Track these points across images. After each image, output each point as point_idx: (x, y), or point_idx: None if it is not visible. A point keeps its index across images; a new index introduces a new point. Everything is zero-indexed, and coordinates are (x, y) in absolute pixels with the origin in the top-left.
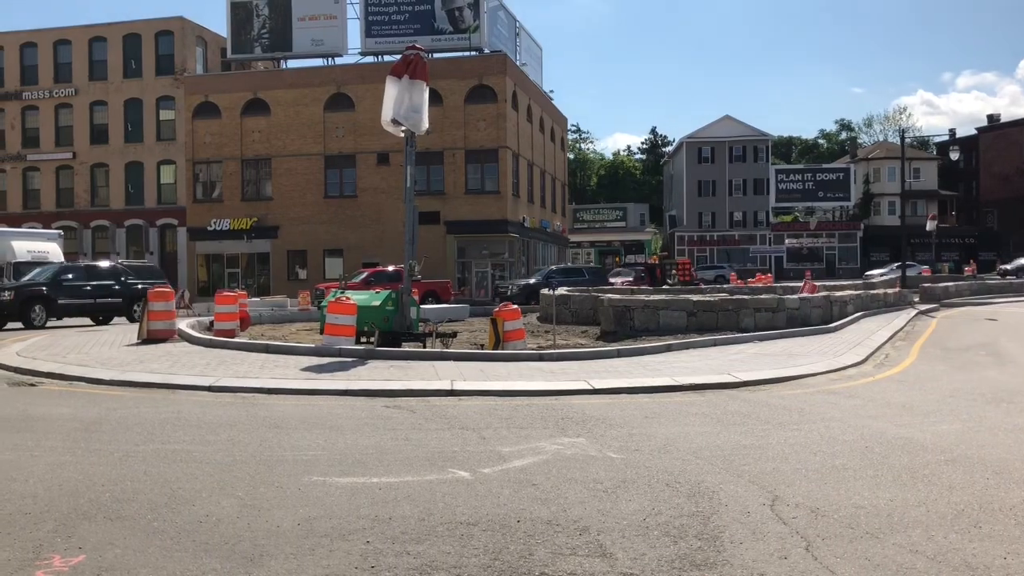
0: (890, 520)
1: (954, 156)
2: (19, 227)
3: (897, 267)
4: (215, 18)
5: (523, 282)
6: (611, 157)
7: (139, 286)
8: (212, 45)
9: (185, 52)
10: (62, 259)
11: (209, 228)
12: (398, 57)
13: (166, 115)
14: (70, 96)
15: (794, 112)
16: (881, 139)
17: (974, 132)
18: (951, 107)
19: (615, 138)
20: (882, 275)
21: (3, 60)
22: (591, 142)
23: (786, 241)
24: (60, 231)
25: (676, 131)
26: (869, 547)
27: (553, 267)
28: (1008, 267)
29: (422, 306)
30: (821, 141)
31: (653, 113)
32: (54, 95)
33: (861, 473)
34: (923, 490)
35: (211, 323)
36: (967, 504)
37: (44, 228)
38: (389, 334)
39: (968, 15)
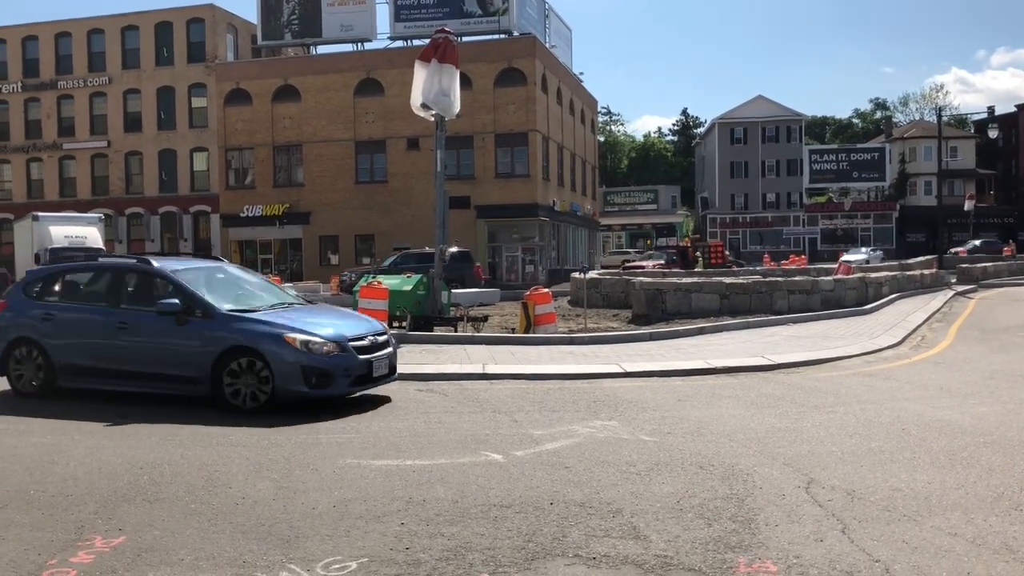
0: (928, 503)
1: (993, 134)
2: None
3: (872, 250)
4: (245, 5)
5: (366, 269)
6: (642, 139)
7: None
8: (242, 32)
9: (216, 39)
10: (101, 244)
11: (242, 215)
12: (427, 41)
13: (198, 102)
14: (104, 85)
15: (826, 92)
16: (917, 118)
17: (1014, 109)
18: (986, 84)
19: (644, 120)
20: (864, 260)
21: (38, 50)
22: (621, 124)
23: (820, 222)
24: (101, 215)
25: (707, 112)
26: (907, 530)
27: (409, 249)
28: (958, 250)
29: (453, 290)
30: (855, 120)
31: (682, 95)
32: (88, 84)
33: (898, 456)
34: (962, 473)
35: None
36: (1007, 487)
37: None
38: (421, 318)
39: None
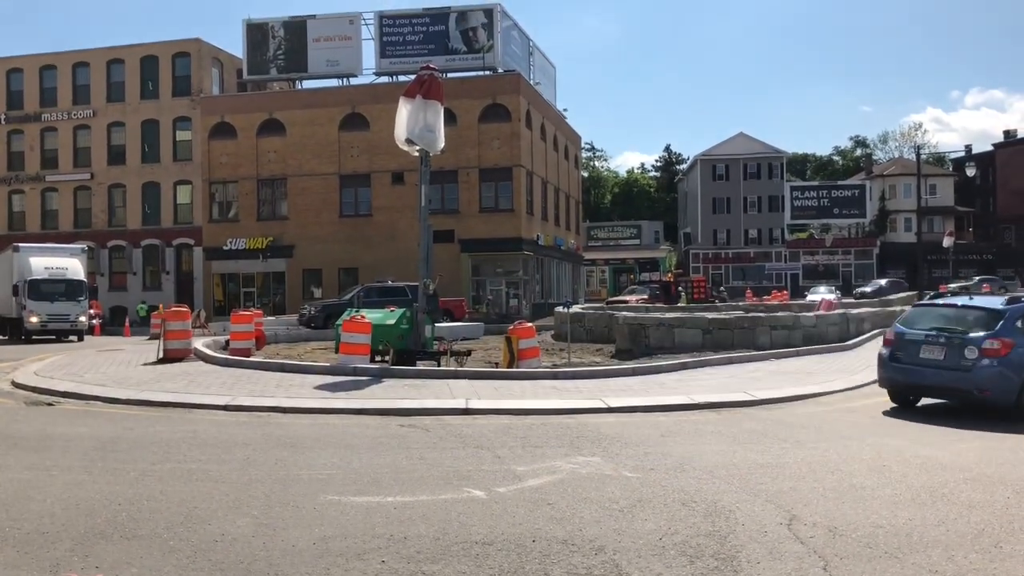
0: (909, 540)
1: (970, 172)
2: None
3: (830, 290)
4: (231, 40)
5: (325, 302)
6: (625, 175)
7: None
8: (228, 66)
9: (201, 73)
10: (83, 276)
11: (225, 248)
12: (412, 77)
13: (183, 136)
14: (88, 118)
15: (807, 129)
16: (896, 155)
17: (990, 148)
18: (961, 124)
19: (626, 156)
20: (826, 294)
21: (23, 83)
22: (605, 160)
23: (802, 258)
24: (85, 246)
25: (689, 149)
26: (888, 567)
27: (374, 283)
28: (868, 289)
29: (436, 324)
30: (836, 158)
31: (664, 132)
32: (72, 116)
33: (879, 492)
34: (943, 509)
35: (227, 342)
36: (987, 523)
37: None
38: (404, 352)
39: (973, 34)
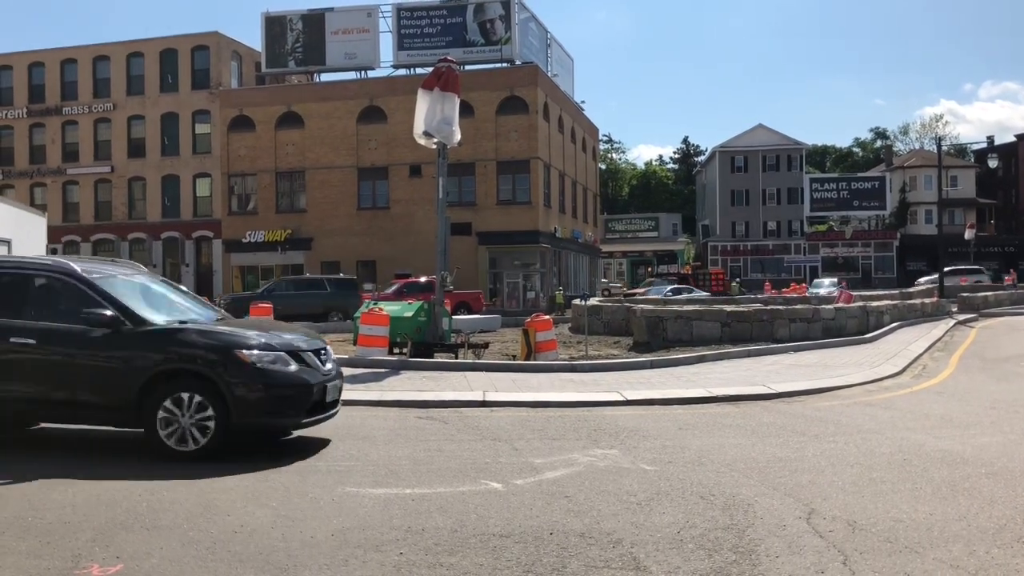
0: (930, 534)
1: (992, 164)
2: (59, 241)
3: (834, 282)
4: (250, 33)
5: (235, 295)
6: (643, 167)
7: None
8: (247, 59)
9: (220, 67)
10: None
11: (244, 240)
12: (430, 70)
13: (202, 129)
14: (108, 111)
15: (826, 121)
16: (917, 147)
17: (1012, 139)
18: (976, 116)
19: (642, 149)
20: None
21: (44, 76)
22: (623, 152)
23: (821, 251)
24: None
25: (707, 140)
26: (908, 562)
27: (289, 277)
28: (821, 291)
29: (454, 317)
30: (856, 150)
31: (681, 124)
32: (93, 110)
33: (899, 486)
34: (964, 504)
35: None
36: (1010, 518)
37: (82, 241)
38: (422, 345)
39: (985, 27)
